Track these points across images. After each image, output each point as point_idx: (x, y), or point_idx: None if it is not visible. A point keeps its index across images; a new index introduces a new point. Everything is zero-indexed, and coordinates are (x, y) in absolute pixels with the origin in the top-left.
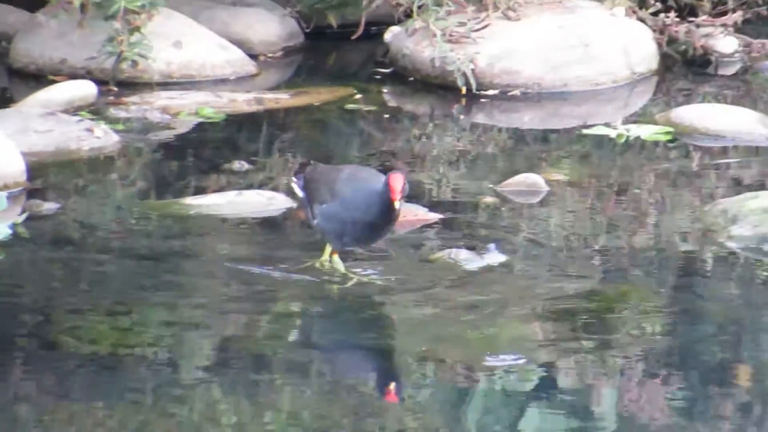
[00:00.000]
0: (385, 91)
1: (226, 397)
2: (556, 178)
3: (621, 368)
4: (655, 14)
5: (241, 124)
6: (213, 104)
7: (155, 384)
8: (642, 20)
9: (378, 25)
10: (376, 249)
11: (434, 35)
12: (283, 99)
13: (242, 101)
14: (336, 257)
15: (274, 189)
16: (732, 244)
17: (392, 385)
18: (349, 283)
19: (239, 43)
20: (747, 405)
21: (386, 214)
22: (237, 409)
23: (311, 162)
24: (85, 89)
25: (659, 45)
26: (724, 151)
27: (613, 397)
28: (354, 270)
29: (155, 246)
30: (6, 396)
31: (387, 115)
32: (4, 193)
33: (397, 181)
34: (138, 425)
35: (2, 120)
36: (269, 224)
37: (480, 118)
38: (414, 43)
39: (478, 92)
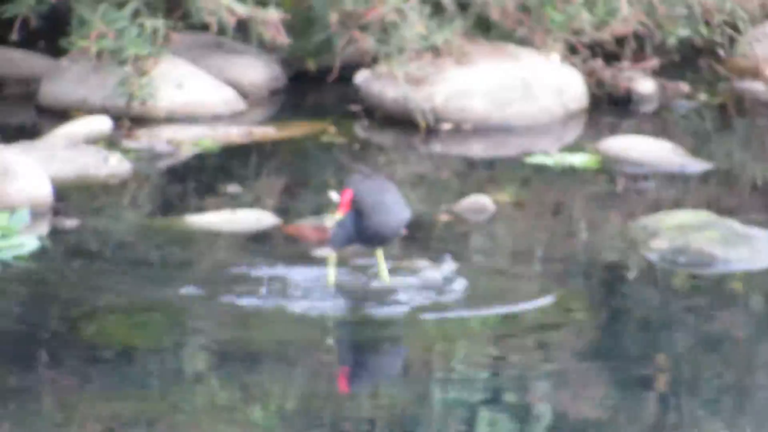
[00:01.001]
0: (356, 125)
1: (222, 386)
2: (502, 200)
3: (560, 363)
4: (584, 60)
5: (234, 154)
6: (210, 136)
7: (161, 373)
8: (574, 65)
9: (350, 70)
10: (349, 256)
11: (397, 78)
12: (270, 132)
13: (235, 134)
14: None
15: (262, 208)
16: (651, 255)
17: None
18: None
19: (232, 85)
20: (665, 393)
21: (359, 226)
22: (229, 396)
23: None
24: (102, 124)
25: (589, 86)
26: (644, 177)
27: (552, 389)
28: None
29: (161, 256)
30: (33, 383)
31: (357, 146)
32: (27, 210)
33: (343, 196)
34: (146, 410)
35: (33, 150)
36: (258, 238)
37: (437, 148)
38: (380, 84)
39: (435, 127)
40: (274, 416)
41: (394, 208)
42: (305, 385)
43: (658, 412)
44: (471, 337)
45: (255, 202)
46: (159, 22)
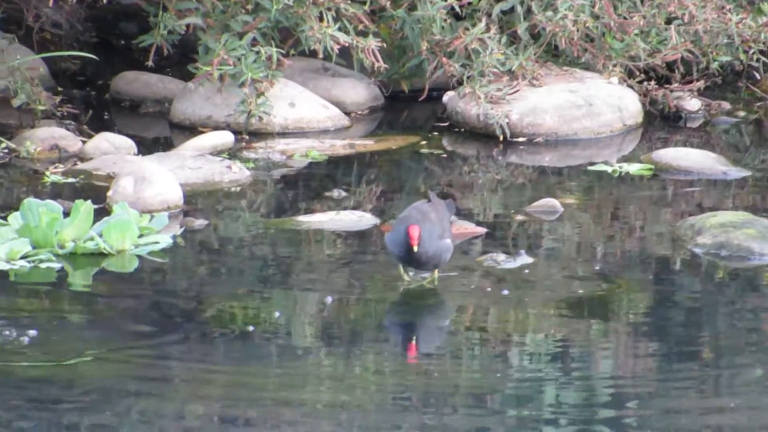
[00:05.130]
0: (444, 138)
1: (327, 360)
2: (569, 202)
3: (616, 341)
4: (640, 82)
5: (339, 163)
6: (318, 148)
7: (274, 352)
8: (630, 86)
9: (438, 90)
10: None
11: (479, 98)
12: (369, 144)
13: (339, 146)
14: (400, 268)
15: (363, 210)
16: (697, 250)
17: (415, 344)
18: (405, 283)
19: (337, 104)
20: (707, 367)
21: (411, 254)
22: (335, 372)
23: (429, 194)
24: (225, 138)
25: (643, 105)
26: (690, 183)
27: (608, 362)
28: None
29: (276, 251)
30: (163, 355)
31: (445, 156)
32: (166, 213)
33: (414, 232)
34: (258, 382)
35: (166, 160)
36: (359, 235)
37: (513, 158)
38: (464, 103)
39: (511, 139)
40: (377, 389)
41: (401, 235)
42: (396, 362)
43: (701, 377)
44: (537, 314)
45: (356, 205)
46: (273, 50)
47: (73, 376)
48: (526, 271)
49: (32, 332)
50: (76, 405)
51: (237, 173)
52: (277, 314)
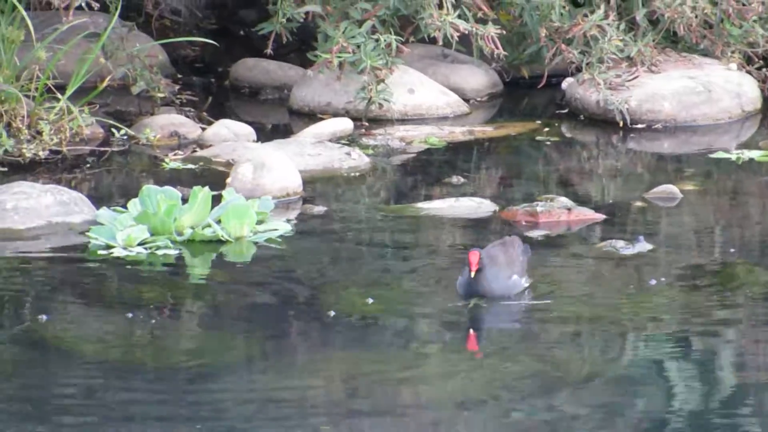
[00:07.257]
0: (563, 125)
1: (447, 351)
2: (688, 189)
3: (738, 323)
4: (758, 68)
5: (458, 149)
6: (437, 135)
7: (394, 338)
8: (749, 73)
9: (557, 77)
10: (556, 237)
11: (598, 84)
12: (489, 131)
13: (458, 132)
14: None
15: (482, 197)
16: None
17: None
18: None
19: (456, 90)
20: None
21: (472, 282)
22: (455, 360)
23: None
24: (345, 124)
25: (762, 91)
26: None
27: (733, 342)
28: None
29: (395, 237)
30: (282, 342)
31: (563, 142)
32: (270, 197)
33: (473, 257)
34: (379, 369)
35: (285, 146)
36: (478, 222)
37: (632, 144)
38: (583, 89)
39: (630, 126)
40: (499, 381)
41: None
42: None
43: None
44: (658, 302)
45: (475, 191)
46: (392, 37)
47: (193, 362)
48: (645, 257)
49: (152, 321)
50: (197, 388)
51: (356, 160)
52: (371, 300)
